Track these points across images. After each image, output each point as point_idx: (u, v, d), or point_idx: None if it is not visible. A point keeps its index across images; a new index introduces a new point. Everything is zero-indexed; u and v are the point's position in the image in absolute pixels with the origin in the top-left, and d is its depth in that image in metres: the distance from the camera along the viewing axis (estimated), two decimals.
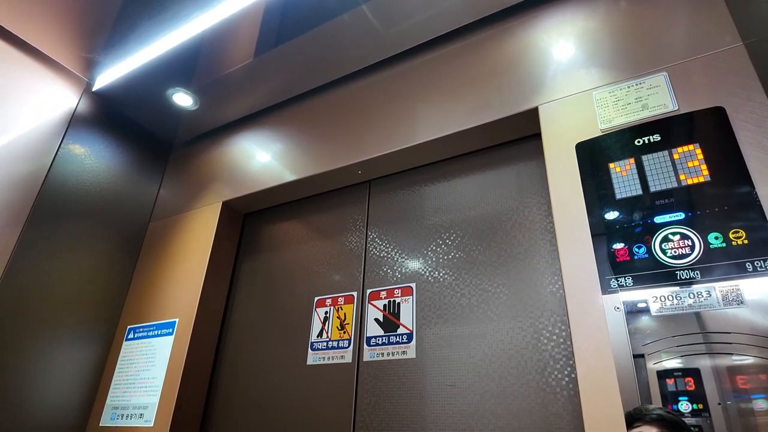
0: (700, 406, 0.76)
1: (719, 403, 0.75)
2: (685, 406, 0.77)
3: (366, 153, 1.41)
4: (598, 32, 1.17)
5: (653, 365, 0.81)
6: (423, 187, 1.41)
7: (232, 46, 1.52)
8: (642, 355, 0.82)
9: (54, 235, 1.51)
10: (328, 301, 1.39)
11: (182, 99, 1.72)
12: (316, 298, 1.43)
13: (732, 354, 0.76)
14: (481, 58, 1.33)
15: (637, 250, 0.89)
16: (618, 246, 0.91)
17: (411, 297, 1.26)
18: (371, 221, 1.46)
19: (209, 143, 1.89)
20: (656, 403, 0.79)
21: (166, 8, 1.43)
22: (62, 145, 1.59)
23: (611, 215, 0.94)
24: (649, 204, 0.91)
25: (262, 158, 1.67)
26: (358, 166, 1.44)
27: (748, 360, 0.75)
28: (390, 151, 1.36)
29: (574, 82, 1.14)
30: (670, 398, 0.79)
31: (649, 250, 0.87)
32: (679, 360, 0.80)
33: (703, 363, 0.78)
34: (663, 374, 0.80)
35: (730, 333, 0.77)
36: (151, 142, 1.94)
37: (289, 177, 1.54)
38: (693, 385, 0.78)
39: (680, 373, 0.79)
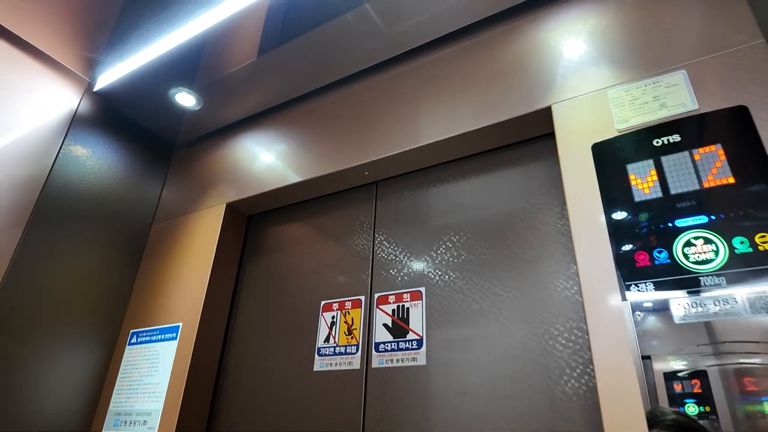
0: (707, 409, 0.75)
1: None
2: (691, 408, 0.76)
3: (372, 154, 1.38)
4: (612, 29, 1.14)
5: (659, 367, 0.80)
6: (431, 188, 1.38)
7: (236, 45, 1.50)
8: (648, 357, 0.81)
9: (55, 238, 1.48)
10: (335, 306, 1.37)
11: (185, 99, 1.69)
12: (322, 302, 1.40)
13: (738, 353, 0.75)
14: (490, 57, 1.30)
15: (658, 254, 0.85)
16: (638, 250, 0.87)
17: (420, 301, 1.23)
18: (378, 223, 1.43)
19: (212, 144, 1.87)
20: (662, 404, 0.78)
21: (168, 7, 1.41)
22: (63, 146, 1.56)
23: (630, 219, 0.91)
24: (669, 207, 0.88)
25: (266, 159, 1.64)
26: (365, 167, 1.41)
27: (756, 362, 0.73)
28: (397, 152, 1.33)
29: (588, 80, 1.11)
30: (677, 400, 0.77)
31: (670, 255, 0.84)
32: (685, 362, 0.79)
33: (710, 365, 0.77)
34: (669, 376, 0.79)
35: (738, 339, 0.75)
36: (154, 142, 1.92)
37: (294, 178, 1.51)
38: (700, 388, 0.77)
39: (686, 375, 0.78)
